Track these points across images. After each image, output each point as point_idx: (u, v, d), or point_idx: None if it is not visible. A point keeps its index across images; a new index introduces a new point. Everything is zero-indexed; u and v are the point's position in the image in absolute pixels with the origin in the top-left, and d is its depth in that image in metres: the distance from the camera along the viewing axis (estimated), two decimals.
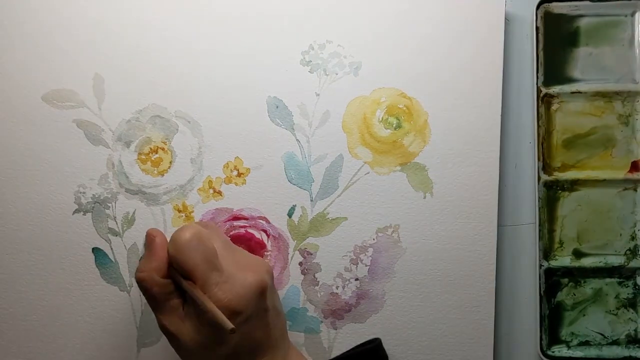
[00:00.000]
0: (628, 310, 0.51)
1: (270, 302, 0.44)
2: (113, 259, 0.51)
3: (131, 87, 0.51)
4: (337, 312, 0.51)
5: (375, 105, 0.51)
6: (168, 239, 0.44)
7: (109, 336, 0.50)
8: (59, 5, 0.51)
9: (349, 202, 0.51)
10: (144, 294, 0.44)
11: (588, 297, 0.51)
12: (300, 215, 0.51)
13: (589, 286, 0.51)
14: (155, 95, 0.51)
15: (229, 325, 0.40)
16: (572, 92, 0.52)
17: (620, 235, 0.51)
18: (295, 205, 0.51)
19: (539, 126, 0.51)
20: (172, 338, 0.43)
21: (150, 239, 0.45)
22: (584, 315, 0.51)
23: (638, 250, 0.51)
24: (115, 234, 0.51)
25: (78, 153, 0.51)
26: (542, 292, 0.51)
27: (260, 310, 0.44)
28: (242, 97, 0.51)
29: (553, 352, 0.51)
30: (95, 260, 0.50)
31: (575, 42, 0.52)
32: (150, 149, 0.51)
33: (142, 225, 0.51)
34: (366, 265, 0.51)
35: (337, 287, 0.51)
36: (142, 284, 0.43)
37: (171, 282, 0.43)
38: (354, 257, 0.51)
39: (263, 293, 0.43)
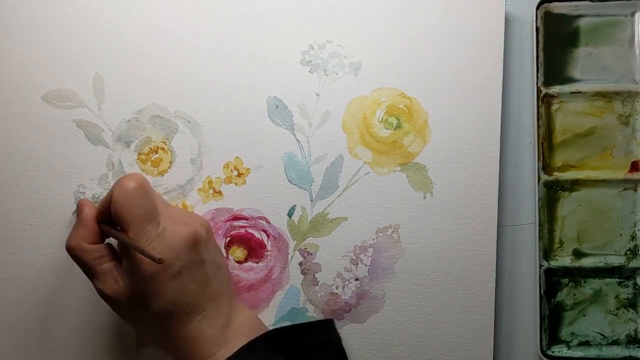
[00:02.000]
0: (628, 311, 0.51)
1: (206, 255, 0.45)
2: None
3: (131, 87, 0.51)
4: (337, 312, 0.51)
5: (375, 106, 0.51)
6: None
7: (109, 336, 0.50)
8: (59, 5, 0.51)
9: (349, 202, 0.51)
10: (76, 263, 0.44)
11: (588, 297, 0.51)
12: (300, 216, 0.51)
13: (589, 286, 0.51)
14: (155, 95, 0.51)
15: (157, 255, 0.40)
16: (572, 92, 0.52)
17: (620, 235, 0.51)
18: (295, 205, 0.51)
19: (539, 126, 0.51)
20: (111, 302, 0.44)
21: (79, 209, 0.46)
22: (584, 315, 0.51)
23: (638, 251, 0.51)
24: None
25: (78, 153, 0.51)
26: (542, 292, 0.51)
27: (194, 262, 0.44)
28: (242, 97, 0.51)
29: (553, 352, 0.51)
30: None
31: (575, 42, 0.52)
32: (150, 149, 0.51)
33: None
34: (366, 266, 0.51)
35: (337, 287, 0.51)
36: (71, 252, 0.44)
37: (101, 247, 0.44)
38: (354, 257, 0.51)
39: (196, 245, 0.44)
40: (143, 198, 0.43)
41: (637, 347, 0.51)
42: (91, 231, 0.44)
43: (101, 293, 0.44)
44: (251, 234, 0.51)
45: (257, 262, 0.51)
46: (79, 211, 0.46)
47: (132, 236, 0.42)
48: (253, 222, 0.51)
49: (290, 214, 0.51)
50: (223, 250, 0.51)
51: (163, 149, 0.51)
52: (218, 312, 0.45)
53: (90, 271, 0.44)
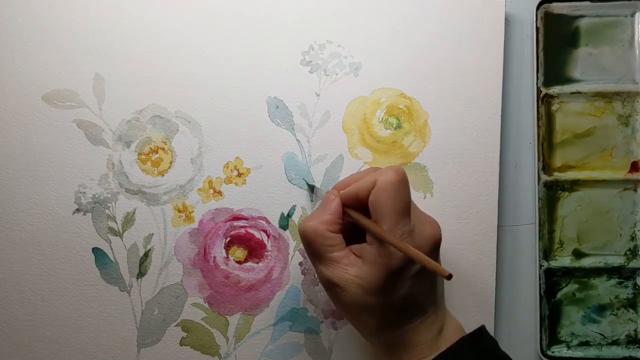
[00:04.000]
0: (628, 311, 0.51)
1: (439, 259, 0.45)
2: (113, 259, 0.50)
3: (131, 87, 0.51)
4: (337, 313, 0.51)
5: (375, 106, 0.51)
6: None
7: (109, 336, 0.50)
8: (59, 5, 0.51)
9: None
10: (305, 244, 0.43)
11: (588, 297, 0.51)
12: (300, 216, 0.51)
13: (589, 286, 0.51)
14: (155, 95, 0.51)
15: (446, 272, 0.39)
16: (572, 93, 0.52)
17: (620, 235, 0.51)
18: (295, 205, 0.51)
19: (539, 126, 0.51)
20: (334, 287, 0.43)
21: (328, 197, 0.44)
22: (584, 315, 0.51)
23: (638, 251, 0.51)
24: (115, 234, 0.50)
25: (78, 153, 0.51)
26: (542, 292, 0.51)
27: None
28: (243, 97, 0.51)
29: (553, 352, 0.51)
30: (95, 261, 0.50)
31: (575, 42, 0.52)
32: (151, 149, 0.51)
33: (142, 225, 0.51)
34: None
35: None
36: (306, 234, 0.43)
37: (339, 237, 0.43)
38: None
39: (437, 247, 0.44)
40: (405, 191, 0.42)
41: (637, 347, 0.51)
42: (336, 221, 0.43)
43: (324, 278, 0.43)
44: (251, 234, 0.51)
45: (257, 262, 0.51)
46: (327, 198, 0.44)
47: (386, 228, 0.41)
48: (253, 222, 0.51)
49: (290, 214, 0.51)
50: (223, 251, 0.51)
51: (163, 149, 0.51)
52: (436, 317, 0.44)
53: (320, 257, 0.43)
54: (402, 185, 0.42)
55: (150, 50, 0.51)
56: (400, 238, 0.41)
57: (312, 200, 0.50)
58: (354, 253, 0.43)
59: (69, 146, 0.51)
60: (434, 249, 0.43)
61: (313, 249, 0.43)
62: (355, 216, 0.43)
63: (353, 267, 0.42)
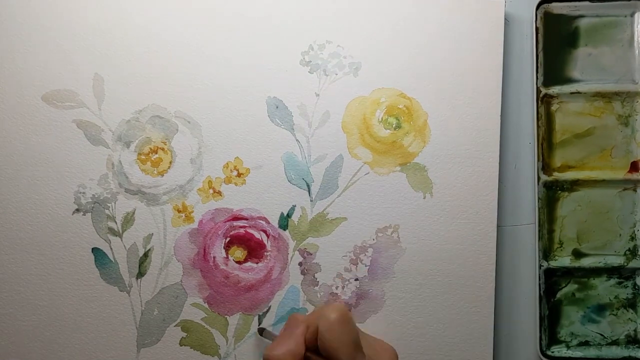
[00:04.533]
0: (628, 311, 0.51)
1: None
2: (113, 259, 0.50)
3: (131, 87, 0.51)
4: None
5: (375, 106, 0.51)
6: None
7: (109, 336, 0.50)
8: (59, 5, 0.51)
9: (349, 203, 0.51)
10: None
11: (588, 297, 0.51)
12: (300, 216, 0.51)
13: (589, 286, 0.51)
14: (155, 95, 0.51)
15: None
16: (572, 93, 0.52)
17: (620, 235, 0.51)
18: (295, 205, 0.51)
19: (538, 126, 0.51)
20: None
21: (294, 322, 0.45)
22: (584, 315, 0.51)
23: (638, 251, 0.51)
24: (115, 234, 0.50)
25: (78, 153, 0.51)
26: (541, 292, 0.51)
27: None
28: (242, 98, 0.51)
29: (552, 352, 0.51)
30: (95, 261, 0.50)
31: (575, 42, 0.52)
32: (150, 149, 0.51)
33: (141, 225, 0.51)
34: (366, 266, 0.51)
35: (336, 288, 0.51)
36: None
37: None
38: (354, 258, 0.51)
39: None
40: (348, 326, 0.43)
41: (637, 347, 0.51)
42: (301, 351, 0.44)
43: None
44: (251, 234, 0.51)
45: (257, 263, 0.51)
46: (291, 323, 0.45)
47: None
48: (253, 222, 0.51)
49: (290, 214, 0.51)
50: (223, 251, 0.51)
51: (163, 149, 0.51)
52: None
53: None
54: (344, 322, 0.43)
55: (150, 50, 0.51)
56: None
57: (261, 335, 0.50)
58: None
59: (69, 146, 0.51)
60: None
61: None
62: (314, 358, 0.44)
63: None
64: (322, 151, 0.51)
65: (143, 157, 0.51)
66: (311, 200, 0.51)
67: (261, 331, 0.50)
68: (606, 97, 0.52)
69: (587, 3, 0.51)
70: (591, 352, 0.51)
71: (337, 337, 0.43)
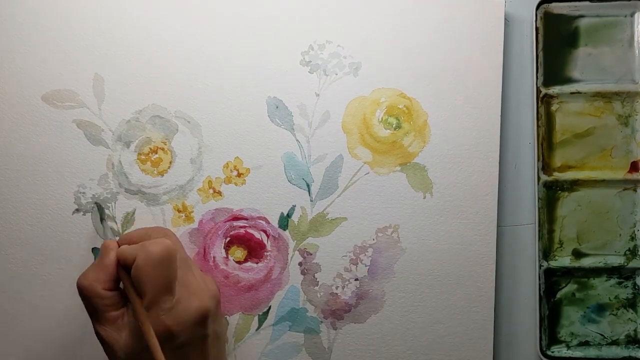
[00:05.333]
0: (628, 311, 0.51)
1: (211, 329, 0.44)
2: None
3: (131, 87, 0.51)
4: (337, 313, 0.51)
5: (375, 106, 0.51)
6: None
7: None
8: (59, 5, 0.51)
9: (349, 203, 0.51)
10: (83, 302, 0.43)
11: (588, 297, 0.51)
12: (300, 216, 0.51)
13: (589, 286, 0.51)
14: (155, 95, 0.51)
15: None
16: (572, 93, 0.52)
17: (620, 235, 0.51)
18: (295, 205, 0.51)
19: (538, 126, 0.51)
20: (106, 346, 0.43)
21: (105, 250, 0.44)
22: (584, 315, 0.51)
23: (638, 251, 0.51)
24: (115, 234, 0.50)
25: (78, 153, 0.51)
26: (541, 292, 0.51)
27: (198, 336, 0.43)
28: (242, 97, 0.51)
29: (552, 352, 0.51)
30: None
31: (575, 42, 0.52)
32: (150, 149, 0.51)
33: (142, 225, 0.50)
34: (366, 266, 0.51)
35: (336, 288, 0.51)
36: (83, 292, 0.43)
37: (115, 295, 0.43)
38: (354, 257, 0.51)
39: (204, 320, 0.43)
40: (166, 268, 0.42)
41: (637, 347, 0.51)
42: (110, 278, 0.43)
43: (99, 336, 0.43)
44: (251, 234, 0.51)
45: (257, 263, 0.51)
46: (103, 251, 0.44)
47: (146, 303, 0.42)
48: (253, 222, 0.51)
49: (290, 214, 0.51)
50: (223, 251, 0.51)
51: (163, 149, 0.51)
52: None
53: (96, 315, 0.43)
54: (164, 263, 0.42)
55: (150, 50, 0.51)
56: (158, 314, 0.41)
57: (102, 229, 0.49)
58: None
59: (69, 146, 0.51)
60: (200, 321, 0.43)
61: (89, 307, 0.43)
62: (124, 281, 0.43)
63: (124, 331, 0.43)
64: (322, 151, 0.51)
65: (143, 157, 0.51)
66: (311, 200, 0.51)
67: (100, 211, 0.50)
68: (606, 97, 0.52)
69: (587, 3, 0.51)
70: (591, 352, 0.51)
71: (148, 274, 0.41)
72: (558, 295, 0.51)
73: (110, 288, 0.43)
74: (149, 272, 0.42)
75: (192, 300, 0.43)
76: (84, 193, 0.51)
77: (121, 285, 0.44)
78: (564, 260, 0.51)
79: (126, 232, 0.50)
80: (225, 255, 0.51)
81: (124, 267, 0.44)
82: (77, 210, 0.50)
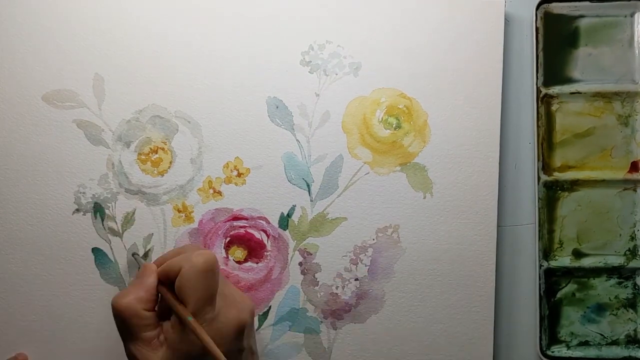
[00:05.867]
0: (628, 311, 0.51)
1: (246, 342, 0.44)
2: (113, 259, 0.50)
3: (131, 87, 0.51)
4: (337, 313, 0.51)
5: (375, 106, 0.51)
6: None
7: (109, 336, 0.50)
8: (59, 5, 0.51)
9: (349, 203, 0.51)
10: (118, 321, 0.43)
11: (588, 297, 0.51)
12: (300, 216, 0.51)
13: (589, 286, 0.51)
14: (155, 95, 0.51)
15: (222, 357, 0.40)
16: (572, 93, 0.52)
17: (620, 235, 0.51)
18: (295, 205, 0.51)
19: (538, 126, 0.51)
20: None
21: (145, 271, 0.45)
22: (584, 315, 0.51)
23: (638, 251, 0.51)
24: (115, 234, 0.50)
25: (78, 153, 0.51)
26: (541, 292, 0.51)
27: (235, 349, 0.44)
28: (242, 97, 0.51)
29: (552, 352, 0.51)
30: (95, 261, 0.50)
31: (575, 42, 0.52)
32: (150, 149, 0.51)
33: (142, 225, 0.51)
34: (366, 266, 0.51)
35: (336, 287, 0.51)
36: (122, 312, 0.42)
37: (153, 315, 0.43)
38: (354, 257, 0.51)
39: (241, 332, 0.43)
40: (210, 279, 0.42)
41: (637, 347, 0.51)
42: (151, 298, 0.43)
43: (132, 357, 0.43)
44: (251, 234, 0.51)
45: (257, 262, 0.51)
46: (142, 273, 0.45)
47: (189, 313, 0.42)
48: (253, 222, 0.51)
49: (290, 214, 0.51)
50: (223, 251, 0.51)
51: (163, 149, 0.51)
52: None
53: (131, 335, 0.43)
54: (209, 274, 0.42)
55: (150, 50, 0.51)
56: (202, 325, 0.41)
57: (138, 268, 0.49)
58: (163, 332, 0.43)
59: (69, 146, 0.51)
60: (238, 334, 0.43)
61: (126, 328, 0.43)
62: (166, 296, 0.44)
63: (159, 350, 0.42)
64: (322, 151, 0.51)
65: (143, 157, 0.51)
66: (311, 200, 0.51)
67: (133, 255, 0.50)
68: (606, 97, 0.52)
69: (587, 3, 0.51)
70: (591, 352, 0.51)
71: (193, 284, 0.41)
72: (558, 295, 0.51)
73: (150, 309, 0.43)
74: (194, 282, 0.42)
75: (232, 312, 0.43)
76: (84, 193, 0.51)
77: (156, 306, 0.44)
78: (564, 260, 0.51)
79: (126, 231, 0.51)
80: (225, 255, 0.51)
81: (165, 282, 0.44)
82: (77, 210, 0.50)
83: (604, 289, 0.51)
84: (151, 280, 0.44)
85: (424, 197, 0.51)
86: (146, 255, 0.50)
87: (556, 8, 0.52)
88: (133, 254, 0.50)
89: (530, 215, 0.52)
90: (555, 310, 0.51)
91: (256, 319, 0.51)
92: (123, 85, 0.51)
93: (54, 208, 0.50)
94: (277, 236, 0.51)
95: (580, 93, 0.52)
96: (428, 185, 0.51)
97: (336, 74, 0.51)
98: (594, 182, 0.51)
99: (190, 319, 0.41)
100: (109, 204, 0.51)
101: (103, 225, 0.50)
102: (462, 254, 0.51)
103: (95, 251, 0.50)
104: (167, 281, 0.44)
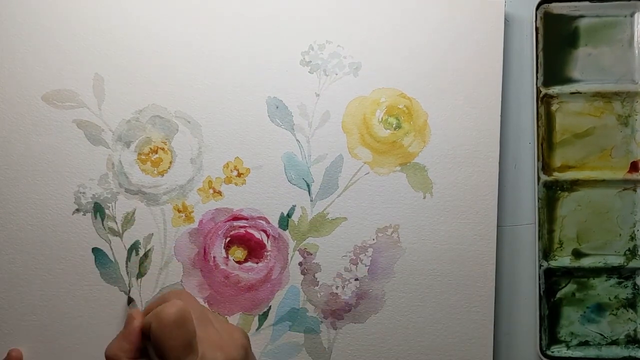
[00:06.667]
0: (628, 311, 0.51)
1: None
2: (113, 259, 0.50)
3: (131, 87, 0.51)
4: (337, 312, 0.51)
5: (375, 106, 0.51)
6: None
7: (109, 336, 0.50)
8: (59, 5, 0.51)
9: (349, 203, 0.51)
10: None
11: (588, 297, 0.51)
12: (300, 216, 0.51)
13: (589, 286, 0.51)
14: (155, 95, 0.51)
15: None
16: (572, 93, 0.52)
17: (620, 235, 0.51)
18: (295, 205, 0.51)
19: (538, 126, 0.51)
20: None
21: (129, 320, 0.45)
22: (584, 315, 0.51)
23: (637, 251, 0.51)
24: (115, 234, 0.51)
25: (78, 153, 0.51)
26: (541, 292, 0.51)
27: None
28: (242, 98, 0.51)
29: (552, 352, 0.51)
30: (95, 261, 0.50)
31: (575, 42, 0.52)
32: (150, 149, 0.51)
33: (141, 225, 0.51)
34: (366, 266, 0.51)
35: (336, 287, 0.51)
36: None
37: None
38: (354, 257, 0.51)
39: None
40: (181, 328, 0.42)
41: (637, 347, 0.51)
42: (134, 347, 0.44)
43: None
44: (251, 234, 0.51)
45: (257, 262, 0.51)
46: (128, 321, 0.45)
47: None
48: (253, 222, 0.51)
49: (290, 214, 0.51)
50: (223, 251, 0.51)
51: (163, 149, 0.51)
52: None
53: None
54: (179, 322, 0.42)
55: (150, 50, 0.51)
56: None
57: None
58: None
59: (69, 146, 0.51)
60: None
61: None
62: (148, 349, 0.44)
63: None
64: (322, 151, 0.51)
65: (143, 157, 0.51)
66: (311, 200, 0.51)
67: (129, 301, 0.50)
68: (606, 97, 0.52)
69: (587, 3, 0.51)
70: (591, 352, 0.51)
71: (166, 337, 0.42)
72: (558, 295, 0.51)
73: (135, 357, 0.44)
74: (165, 335, 0.42)
75: (217, 355, 0.43)
76: (84, 193, 0.51)
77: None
78: (564, 260, 0.51)
79: (126, 231, 0.51)
80: (225, 255, 0.51)
81: (147, 335, 0.44)
82: (77, 210, 0.50)
83: (603, 289, 0.51)
84: (133, 328, 0.44)
85: (424, 197, 0.51)
86: (146, 255, 0.50)
87: (556, 8, 0.52)
88: (128, 300, 0.50)
89: (530, 215, 0.52)
90: (555, 310, 0.51)
91: (256, 318, 0.51)
92: (123, 85, 0.51)
93: (54, 208, 0.50)
94: (277, 236, 0.51)
95: (580, 93, 0.52)
96: (428, 185, 0.51)
97: (336, 74, 0.51)
98: (593, 182, 0.51)
99: None
100: (109, 204, 0.51)
101: (103, 225, 0.50)
102: (462, 254, 0.51)
103: (95, 251, 0.50)
104: (148, 333, 0.44)
